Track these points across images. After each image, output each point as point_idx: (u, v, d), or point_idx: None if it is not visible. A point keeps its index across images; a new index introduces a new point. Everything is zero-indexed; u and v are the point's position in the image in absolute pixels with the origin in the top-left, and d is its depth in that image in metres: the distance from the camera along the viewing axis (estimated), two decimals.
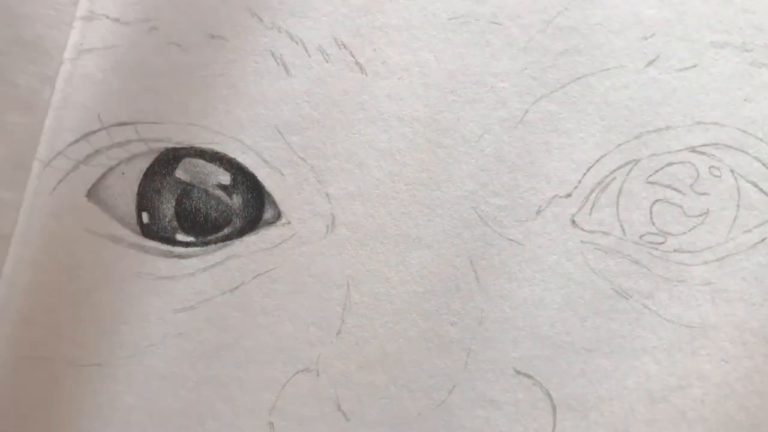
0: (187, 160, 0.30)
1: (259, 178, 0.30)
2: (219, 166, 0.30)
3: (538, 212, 0.30)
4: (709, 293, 0.30)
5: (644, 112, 0.30)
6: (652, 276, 0.30)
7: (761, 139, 0.30)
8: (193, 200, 0.30)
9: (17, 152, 0.30)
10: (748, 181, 0.30)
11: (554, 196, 0.30)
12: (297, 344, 0.30)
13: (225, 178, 0.30)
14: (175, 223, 0.30)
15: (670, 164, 0.30)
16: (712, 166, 0.30)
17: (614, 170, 0.30)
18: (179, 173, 0.30)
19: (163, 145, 0.30)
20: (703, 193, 0.30)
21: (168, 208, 0.30)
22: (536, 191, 0.30)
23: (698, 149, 0.30)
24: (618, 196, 0.30)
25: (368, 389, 0.30)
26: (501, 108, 0.30)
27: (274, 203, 0.30)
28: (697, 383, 0.30)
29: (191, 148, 0.30)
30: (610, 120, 0.30)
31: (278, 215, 0.30)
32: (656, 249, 0.30)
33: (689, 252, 0.30)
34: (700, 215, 0.30)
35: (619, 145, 0.30)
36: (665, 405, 0.30)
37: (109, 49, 0.30)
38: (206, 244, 0.30)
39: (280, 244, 0.30)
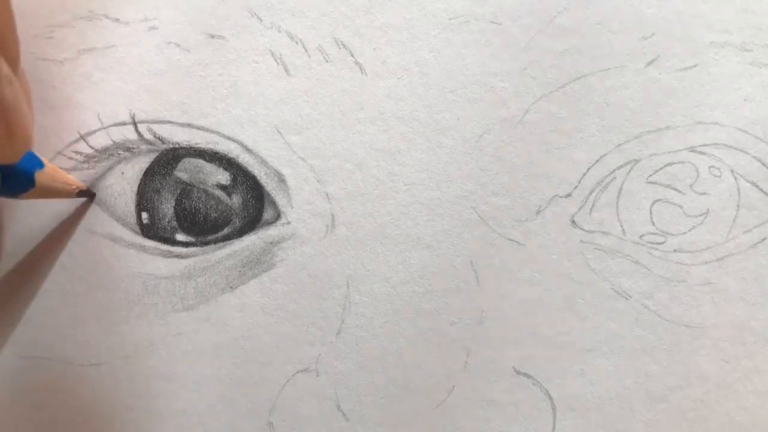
0: (186, 160, 0.30)
1: (259, 178, 0.30)
2: (219, 166, 0.30)
3: (538, 212, 0.30)
4: (709, 293, 0.30)
5: (644, 112, 0.30)
6: (652, 276, 0.30)
7: (761, 139, 0.30)
8: (192, 200, 0.30)
9: None
10: (748, 181, 0.30)
11: (554, 196, 0.30)
12: (297, 344, 0.30)
13: (225, 178, 0.30)
14: (174, 223, 0.30)
15: (670, 164, 0.30)
16: (712, 166, 0.30)
17: (614, 170, 0.30)
18: (179, 173, 0.30)
19: (162, 145, 0.30)
20: (703, 193, 0.30)
21: (167, 208, 0.30)
22: (536, 191, 0.30)
23: (698, 149, 0.30)
24: (618, 196, 0.30)
25: (368, 389, 0.30)
26: (501, 108, 0.30)
27: (274, 203, 0.30)
28: (697, 383, 0.30)
29: (191, 148, 0.30)
30: (610, 120, 0.30)
31: (278, 215, 0.30)
32: (656, 249, 0.30)
33: (689, 252, 0.30)
34: (700, 215, 0.30)
35: (619, 145, 0.30)
36: (665, 405, 0.30)
37: (108, 48, 0.30)
38: (206, 244, 0.30)
39: (280, 244, 0.30)
